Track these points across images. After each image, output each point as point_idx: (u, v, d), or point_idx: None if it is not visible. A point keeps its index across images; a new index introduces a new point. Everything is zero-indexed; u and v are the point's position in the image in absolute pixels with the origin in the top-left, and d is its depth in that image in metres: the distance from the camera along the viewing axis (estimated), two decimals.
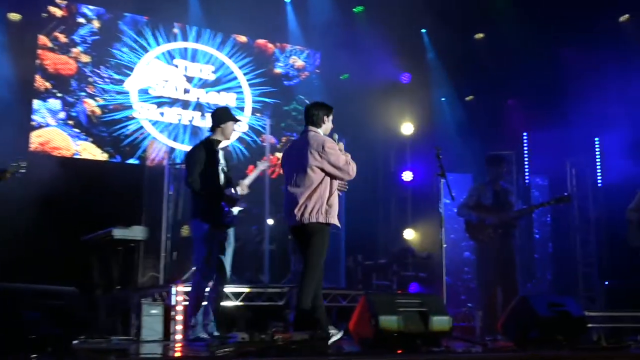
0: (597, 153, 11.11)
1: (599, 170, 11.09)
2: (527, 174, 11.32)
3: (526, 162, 11.30)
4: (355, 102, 11.37)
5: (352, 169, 5.70)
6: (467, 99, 12.45)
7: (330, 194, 5.68)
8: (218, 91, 11.42)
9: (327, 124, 5.93)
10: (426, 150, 10.39)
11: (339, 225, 5.83)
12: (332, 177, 5.68)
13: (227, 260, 6.52)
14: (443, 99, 12.49)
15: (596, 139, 11.15)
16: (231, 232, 6.57)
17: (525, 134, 11.69)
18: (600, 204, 11.06)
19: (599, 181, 11.08)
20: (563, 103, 11.12)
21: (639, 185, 7.87)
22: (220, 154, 6.64)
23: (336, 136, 5.88)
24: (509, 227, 7.85)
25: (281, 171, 11.27)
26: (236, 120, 6.72)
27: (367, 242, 11.51)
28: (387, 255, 11.03)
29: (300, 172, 5.68)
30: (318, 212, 5.57)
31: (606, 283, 10.44)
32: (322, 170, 5.64)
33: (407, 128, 12.50)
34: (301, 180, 5.66)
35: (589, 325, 8.44)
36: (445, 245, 6.63)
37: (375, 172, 12.65)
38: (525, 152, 11.34)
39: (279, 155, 11.62)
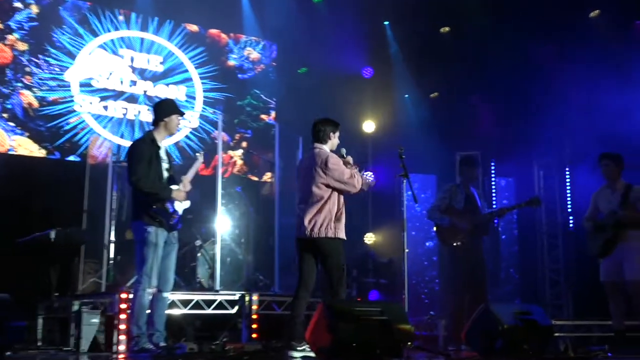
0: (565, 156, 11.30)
1: (567, 173, 11.28)
2: (493, 174, 11.46)
3: (492, 163, 11.45)
4: (314, 97, 11.35)
5: (358, 181, 6.18)
6: (432, 96, 12.55)
7: (338, 209, 6.18)
8: (167, 84, 11.31)
9: (334, 140, 6.39)
10: (388, 149, 10.40)
11: (345, 238, 6.23)
12: (339, 191, 6.20)
13: (172, 264, 6.41)
14: (406, 95, 12.54)
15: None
16: (175, 234, 6.50)
17: (491, 133, 11.80)
18: (569, 207, 11.24)
19: (568, 183, 11.26)
20: (532, 101, 11.29)
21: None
22: (163, 151, 6.52)
23: (344, 151, 6.36)
24: (481, 232, 7.96)
25: (234, 171, 11.32)
26: (181, 114, 6.60)
27: None
28: (347, 260, 11.03)
29: (308, 189, 6.20)
30: (327, 227, 6.09)
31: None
32: (328, 186, 6.15)
33: (369, 126, 12.54)
34: (309, 196, 6.17)
35: (556, 334, 8.62)
36: (407, 250, 6.66)
37: None
38: (492, 152, 11.50)
39: (232, 153, 11.58)
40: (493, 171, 11.49)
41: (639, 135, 9.61)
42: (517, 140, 11.37)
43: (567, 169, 11.26)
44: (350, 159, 6.33)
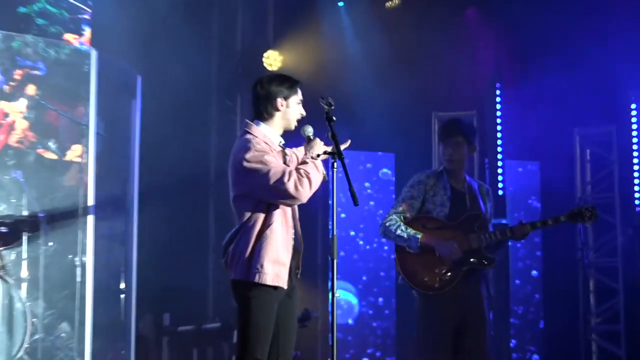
0: (633, 120, 11.52)
1: (636, 152, 11.47)
2: (500, 154, 11.61)
3: (499, 133, 11.63)
4: (167, 3, 11.28)
5: (294, 186, 6.37)
6: (390, 4, 12.56)
7: (265, 230, 6.50)
8: None
9: (289, 110, 6.64)
10: (307, 104, 10.42)
11: (284, 286, 6.48)
12: (270, 203, 6.54)
13: None
14: (341, 3, 12.64)
15: (633, 102, 11.57)
16: None
17: (498, 84, 12.03)
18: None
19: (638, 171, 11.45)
20: (568, 27, 11.60)
21: None
22: None
23: (309, 130, 6.60)
24: (480, 264, 8.01)
25: (11, 140, 11.08)
26: None
27: (184, 291, 11.61)
28: (223, 314, 11.37)
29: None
30: (252, 263, 6.45)
31: None
32: (249, 196, 6.53)
33: (273, 60, 12.60)
34: (234, 210, 6.68)
35: None
36: (338, 296, 6.60)
37: (206, 160, 12.86)
38: (499, 114, 11.68)
39: (7, 106, 11.28)
40: (501, 150, 11.59)
41: None
42: (543, 94, 11.62)
43: (635, 141, 11.53)
44: (318, 144, 6.55)
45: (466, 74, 12.07)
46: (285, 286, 6.40)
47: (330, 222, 6.75)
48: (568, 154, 11.66)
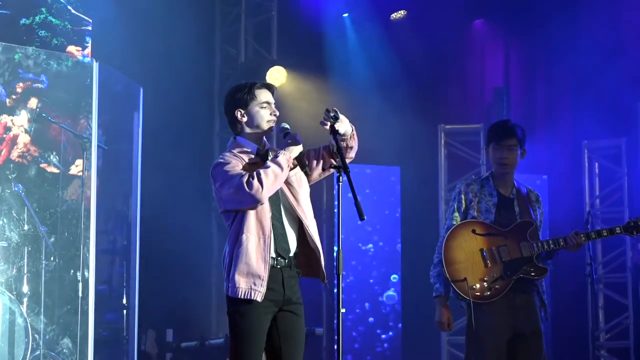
0: None
1: None
2: None
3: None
4: (166, 14, 11.44)
5: (235, 189, 6.32)
6: (395, 16, 12.58)
7: (237, 242, 6.42)
8: None
9: (253, 117, 6.50)
10: (310, 116, 10.44)
11: (258, 299, 6.38)
12: (243, 215, 6.45)
13: None
14: (346, 14, 12.65)
15: None
16: None
17: (506, 96, 12.00)
18: None
19: None
20: (576, 39, 11.58)
21: None
22: None
23: (286, 126, 6.48)
24: (529, 274, 7.87)
25: (12, 155, 11.12)
26: None
27: (188, 306, 11.66)
28: (226, 329, 11.04)
29: None
30: (230, 277, 6.40)
31: None
32: (226, 209, 6.51)
33: (276, 75, 12.55)
34: None
35: None
36: (344, 311, 6.60)
37: (209, 174, 12.61)
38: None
39: (9, 119, 11.30)
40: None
41: None
42: (551, 107, 11.71)
43: None
44: (293, 143, 6.41)
45: (474, 86, 12.04)
46: (259, 299, 6.31)
47: (336, 237, 6.66)
48: (576, 167, 11.63)
